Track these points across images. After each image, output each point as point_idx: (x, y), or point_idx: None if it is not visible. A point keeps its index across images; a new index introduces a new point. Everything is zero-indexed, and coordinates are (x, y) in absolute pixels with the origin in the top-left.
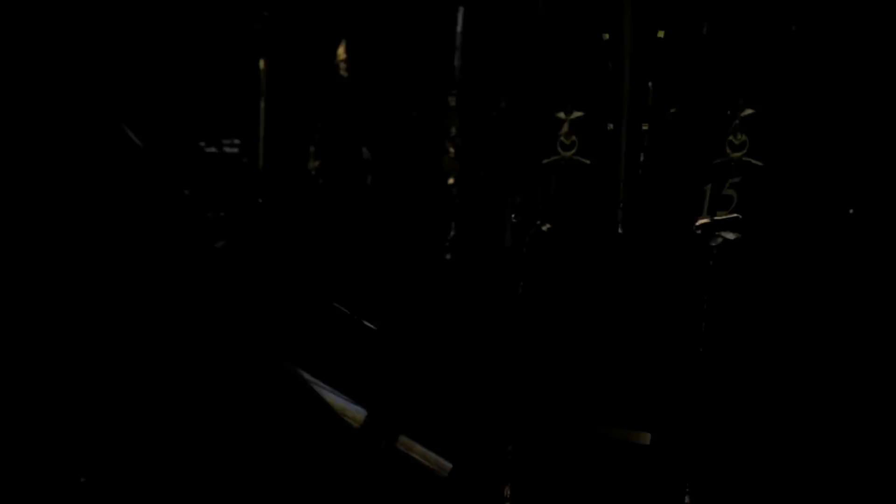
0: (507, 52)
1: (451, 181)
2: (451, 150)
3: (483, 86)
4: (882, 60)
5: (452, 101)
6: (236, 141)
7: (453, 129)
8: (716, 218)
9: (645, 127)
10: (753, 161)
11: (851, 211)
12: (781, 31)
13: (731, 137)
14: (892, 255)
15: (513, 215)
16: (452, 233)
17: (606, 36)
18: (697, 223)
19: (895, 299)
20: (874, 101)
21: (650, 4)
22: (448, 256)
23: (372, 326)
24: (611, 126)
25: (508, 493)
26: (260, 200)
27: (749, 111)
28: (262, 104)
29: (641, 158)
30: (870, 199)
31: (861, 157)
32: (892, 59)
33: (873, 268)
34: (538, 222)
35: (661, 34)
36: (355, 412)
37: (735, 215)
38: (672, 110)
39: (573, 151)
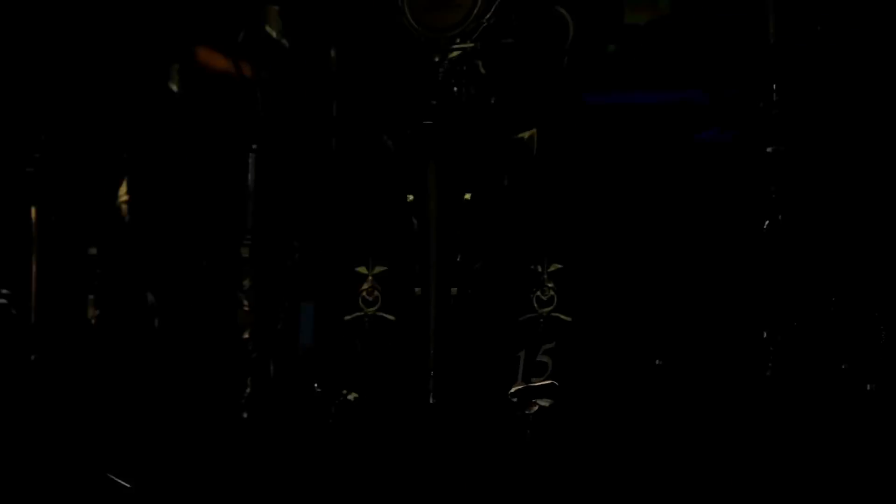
0: (304, 202)
1: (246, 335)
2: (246, 302)
3: (278, 235)
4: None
5: (245, 251)
6: (4, 291)
7: (247, 281)
8: (531, 384)
9: (454, 290)
10: (562, 316)
11: (658, 362)
12: (585, 189)
13: (538, 293)
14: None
15: (315, 385)
16: (248, 389)
17: (411, 197)
18: (512, 390)
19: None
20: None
21: (455, 169)
22: (245, 415)
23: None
24: (418, 290)
25: None
26: (32, 357)
27: (556, 266)
28: (34, 252)
29: (452, 319)
30: (676, 349)
31: (662, 313)
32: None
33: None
34: (344, 391)
35: (467, 196)
36: None
37: (550, 381)
38: (478, 266)
39: (376, 307)
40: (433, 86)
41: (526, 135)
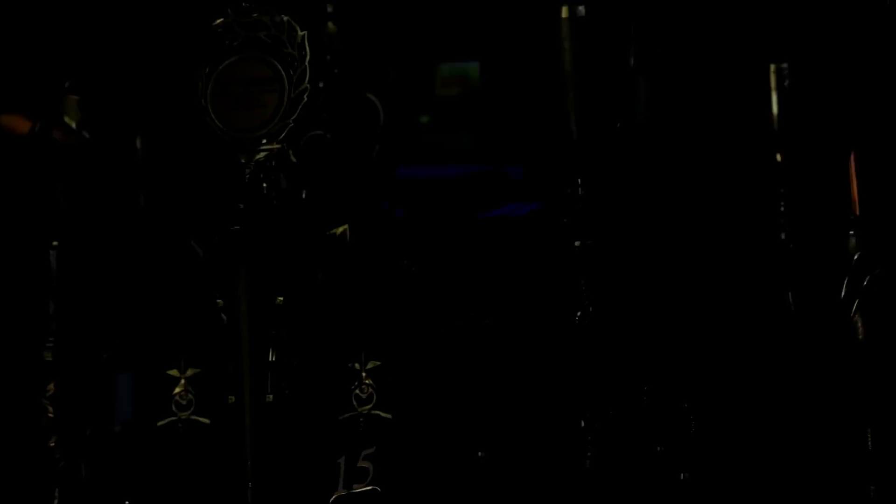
0: (111, 301)
1: (52, 443)
2: (51, 408)
3: (84, 337)
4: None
5: (49, 354)
6: None
7: (51, 386)
8: (352, 491)
9: (270, 398)
10: (382, 414)
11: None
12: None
13: (357, 391)
14: None
15: (127, 500)
16: (57, 501)
17: (221, 302)
18: (333, 499)
19: None
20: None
21: (266, 272)
22: None
23: None
24: (232, 397)
25: None
26: None
27: (374, 363)
28: None
29: (268, 423)
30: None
31: (480, 406)
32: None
33: None
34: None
35: (280, 300)
36: None
37: (372, 487)
38: (294, 367)
39: (190, 411)
40: (240, 188)
41: (339, 230)
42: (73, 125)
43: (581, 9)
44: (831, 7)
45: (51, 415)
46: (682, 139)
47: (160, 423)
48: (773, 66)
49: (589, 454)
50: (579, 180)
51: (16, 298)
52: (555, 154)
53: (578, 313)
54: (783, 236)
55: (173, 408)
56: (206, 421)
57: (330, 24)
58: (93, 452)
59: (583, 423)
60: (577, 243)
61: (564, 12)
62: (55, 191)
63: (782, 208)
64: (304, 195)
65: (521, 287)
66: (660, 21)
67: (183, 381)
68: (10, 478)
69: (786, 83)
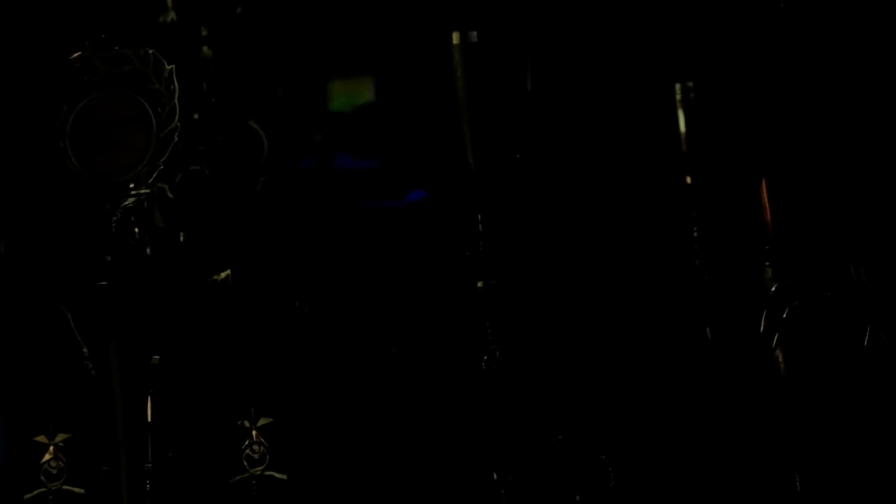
0: None
1: None
2: None
3: None
4: None
5: None
6: None
7: None
8: None
9: (149, 466)
10: (276, 475)
11: None
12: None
13: (248, 451)
14: None
15: None
16: None
17: (90, 364)
18: None
19: None
20: None
21: (139, 330)
22: None
23: None
24: (106, 467)
25: None
26: None
27: (266, 420)
28: None
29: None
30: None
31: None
32: None
33: None
34: None
35: (155, 359)
36: None
37: None
38: (175, 429)
39: (62, 481)
40: (107, 239)
41: (221, 276)
42: None
43: (474, 34)
44: (739, 23)
45: None
46: (585, 165)
47: (28, 496)
48: (678, 86)
49: None
50: (479, 216)
51: None
52: (453, 185)
53: (485, 357)
54: (697, 263)
55: (42, 478)
56: (81, 491)
57: (205, 49)
58: None
59: (495, 476)
60: (479, 284)
61: (456, 38)
62: None
63: (695, 233)
64: (181, 238)
65: (424, 330)
66: (558, 44)
67: (52, 448)
68: None
69: (692, 102)
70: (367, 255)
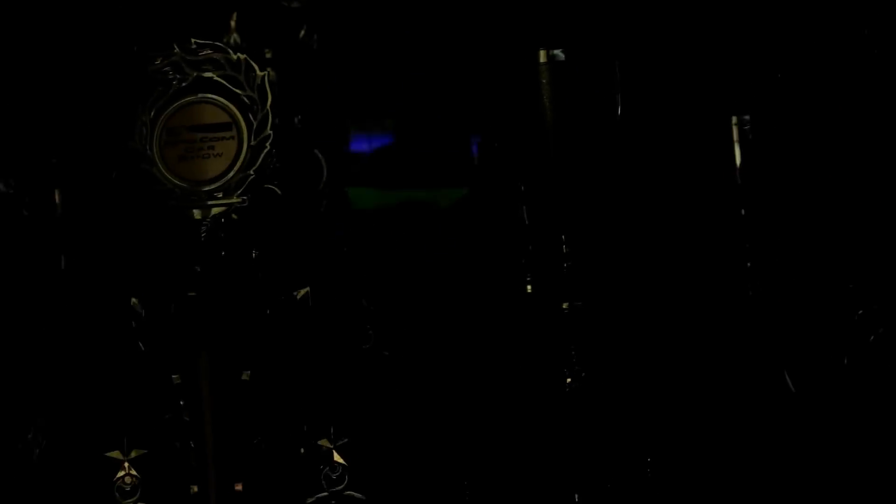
0: (45, 374)
1: None
2: None
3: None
4: None
5: None
6: None
7: None
8: None
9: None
10: (356, 495)
11: None
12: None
13: (327, 470)
14: None
15: None
16: None
17: (177, 378)
18: None
19: None
20: None
21: (230, 344)
22: None
23: None
24: (195, 487)
25: None
26: None
27: (344, 440)
28: None
29: None
30: None
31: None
32: None
33: None
34: None
35: (246, 375)
36: None
37: None
38: (260, 449)
39: (136, 498)
40: (195, 249)
41: (300, 293)
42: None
43: (559, 52)
44: (798, 59)
45: None
46: (654, 191)
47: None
48: (735, 118)
49: None
50: (563, 236)
51: None
52: (542, 205)
53: (569, 380)
54: (750, 293)
55: (116, 495)
56: None
57: (269, 72)
58: None
59: (577, 499)
60: (565, 306)
61: (543, 56)
62: None
63: (749, 265)
64: (254, 255)
65: (505, 351)
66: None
67: (126, 464)
68: None
69: (749, 136)
70: (446, 280)
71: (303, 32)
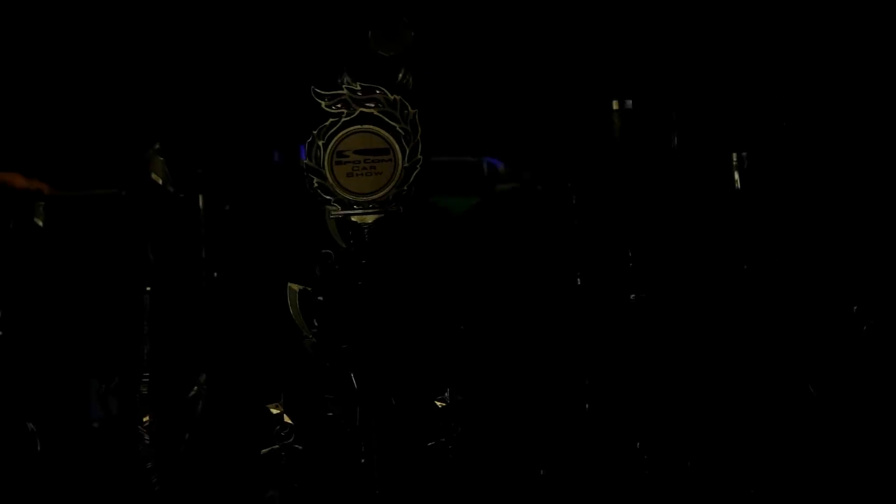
0: None
1: (148, 465)
2: (146, 436)
3: (175, 373)
4: None
5: (144, 389)
6: None
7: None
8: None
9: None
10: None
11: None
12: None
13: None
14: None
15: None
16: None
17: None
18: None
19: None
20: None
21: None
22: None
23: None
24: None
25: None
26: None
27: (456, 398)
28: None
29: None
30: None
31: None
32: None
33: None
34: None
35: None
36: None
37: None
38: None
39: (291, 440)
40: (362, 247)
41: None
42: (160, 182)
43: (629, 102)
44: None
45: (147, 441)
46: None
47: (263, 451)
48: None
49: None
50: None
51: (115, 338)
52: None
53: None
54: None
55: (274, 438)
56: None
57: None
58: (185, 475)
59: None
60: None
61: (615, 105)
62: (146, 243)
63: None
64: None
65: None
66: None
67: (279, 406)
68: (111, 497)
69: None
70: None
71: (400, 76)
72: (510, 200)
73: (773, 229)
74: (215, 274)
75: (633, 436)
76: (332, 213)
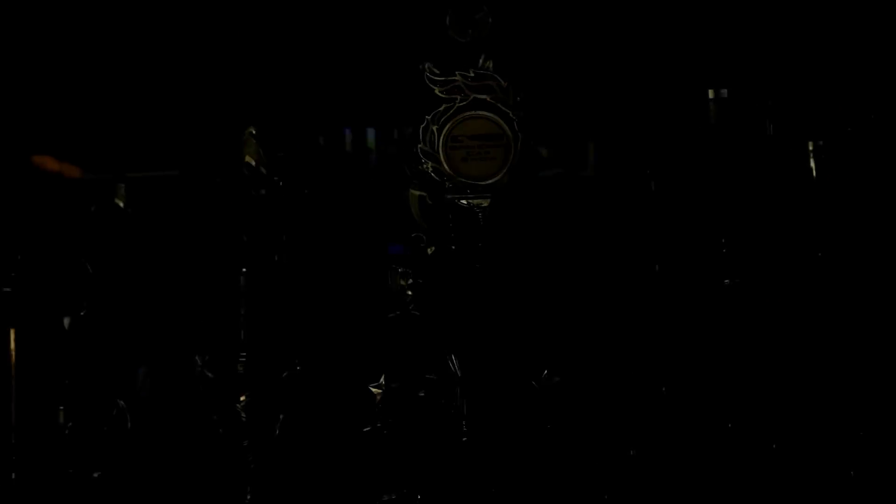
0: None
1: (245, 444)
2: (243, 415)
3: (272, 353)
4: None
5: (241, 368)
6: None
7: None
8: None
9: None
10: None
11: None
12: None
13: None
14: None
15: None
16: (249, 498)
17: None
18: None
19: None
20: None
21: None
22: None
23: None
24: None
25: None
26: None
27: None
28: None
29: None
30: None
31: None
32: None
33: None
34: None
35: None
36: None
37: None
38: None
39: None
40: (477, 229)
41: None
42: (253, 164)
43: (724, 91)
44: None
45: (244, 420)
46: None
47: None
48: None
49: None
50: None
51: (214, 317)
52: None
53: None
54: None
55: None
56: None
57: None
58: (281, 454)
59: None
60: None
61: (711, 94)
62: (239, 224)
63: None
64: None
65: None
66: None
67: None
68: (209, 475)
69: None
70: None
71: (481, 61)
72: (559, 187)
73: (862, 217)
74: (300, 256)
75: (725, 419)
76: (448, 197)
